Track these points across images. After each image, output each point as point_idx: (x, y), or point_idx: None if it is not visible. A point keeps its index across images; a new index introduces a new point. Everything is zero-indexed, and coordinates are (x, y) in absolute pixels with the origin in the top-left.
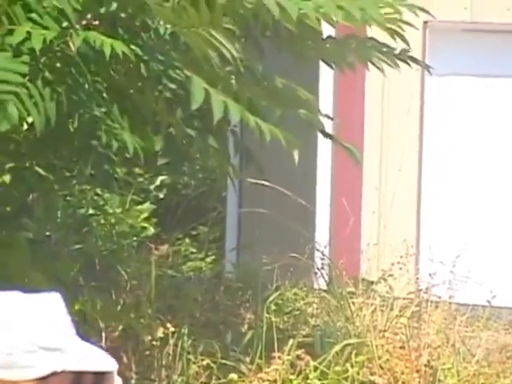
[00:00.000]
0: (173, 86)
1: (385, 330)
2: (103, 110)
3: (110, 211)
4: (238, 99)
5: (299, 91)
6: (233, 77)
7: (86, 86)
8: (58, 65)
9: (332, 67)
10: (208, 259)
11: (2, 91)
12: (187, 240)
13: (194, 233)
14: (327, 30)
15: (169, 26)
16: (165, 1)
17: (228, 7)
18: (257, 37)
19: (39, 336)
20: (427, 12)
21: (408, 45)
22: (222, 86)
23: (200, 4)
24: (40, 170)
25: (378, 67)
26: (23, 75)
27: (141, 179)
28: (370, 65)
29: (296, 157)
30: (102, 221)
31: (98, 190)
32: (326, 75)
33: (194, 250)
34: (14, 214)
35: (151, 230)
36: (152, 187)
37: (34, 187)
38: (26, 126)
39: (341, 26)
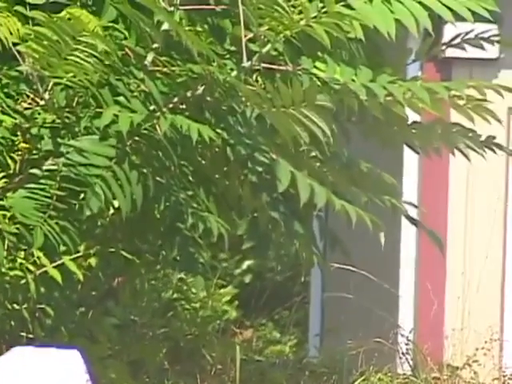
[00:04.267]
0: (259, 169)
1: None
2: (189, 193)
3: (193, 296)
4: (324, 183)
5: (384, 176)
6: (318, 163)
7: (173, 169)
8: (145, 148)
9: (418, 152)
10: (290, 343)
11: (89, 174)
12: (270, 324)
13: (276, 317)
14: (411, 114)
15: (256, 108)
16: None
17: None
18: (342, 122)
19: None
20: None
21: (500, 122)
22: (308, 169)
23: (294, 83)
24: (126, 254)
25: (463, 153)
26: (110, 158)
27: (225, 264)
28: (455, 150)
29: (382, 239)
30: (187, 306)
31: (182, 275)
32: (410, 160)
33: (278, 335)
34: (100, 298)
35: (233, 314)
36: (237, 271)
37: (120, 271)
38: (112, 210)
39: (425, 111)
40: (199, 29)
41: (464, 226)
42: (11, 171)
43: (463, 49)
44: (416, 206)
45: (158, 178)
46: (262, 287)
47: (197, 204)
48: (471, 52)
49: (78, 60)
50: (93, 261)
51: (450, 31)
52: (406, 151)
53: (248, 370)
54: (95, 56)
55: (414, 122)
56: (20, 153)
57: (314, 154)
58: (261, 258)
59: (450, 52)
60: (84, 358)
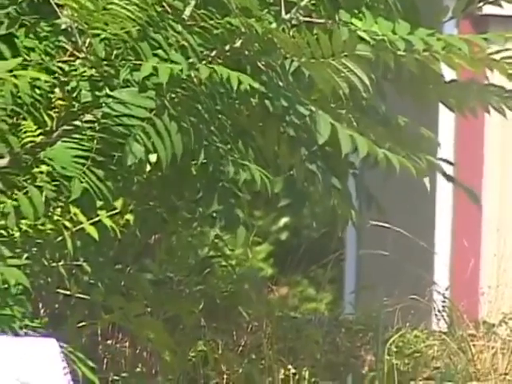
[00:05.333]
0: (298, 122)
1: (506, 374)
2: (228, 146)
3: (229, 253)
4: (363, 135)
5: (422, 129)
6: (354, 116)
7: (212, 121)
8: (184, 101)
9: (453, 111)
10: (326, 300)
11: (129, 125)
12: (305, 281)
13: (312, 274)
14: (448, 73)
15: (295, 59)
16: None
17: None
18: (378, 79)
19: (20, 374)
20: None
21: None
22: (346, 123)
23: (334, 33)
24: (162, 211)
25: (499, 111)
26: (149, 110)
27: (260, 222)
28: (491, 109)
29: (427, 184)
30: (223, 262)
31: (218, 232)
32: (446, 118)
33: (313, 292)
34: (137, 255)
35: (269, 271)
36: (273, 229)
37: (156, 228)
38: (149, 167)
39: (462, 70)
40: None
41: (499, 183)
42: (48, 128)
43: (500, 5)
44: (451, 163)
45: (197, 131)
46: (298, 244)
47: (236, 155)
48: (508, 9)
49: (117, 10)
50: (129, 217)
51: None
52: (441, 110)
53: (284, 327)
54: (135, 4)
55: (451, 81)
56: (57, 110)
57: (351, 108)
58: (297, 216)
59: (487, 9)
60: (61, 346)
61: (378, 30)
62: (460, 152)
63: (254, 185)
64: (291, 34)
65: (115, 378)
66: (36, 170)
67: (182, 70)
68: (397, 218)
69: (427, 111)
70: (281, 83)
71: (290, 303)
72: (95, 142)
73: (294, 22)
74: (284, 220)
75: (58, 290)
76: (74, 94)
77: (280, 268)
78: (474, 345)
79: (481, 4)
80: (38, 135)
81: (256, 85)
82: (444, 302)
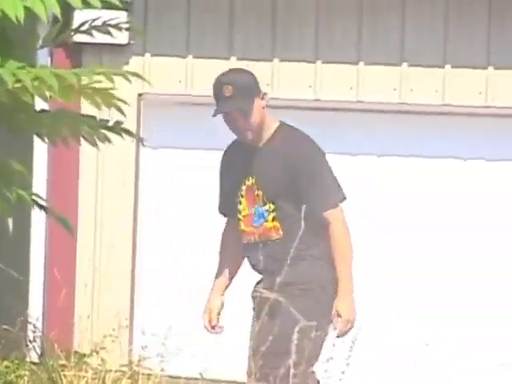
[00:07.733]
0: None
1: None
2: None
3: None
4: None
5: (12, 162)
6: None
7: None
8: None
9: (44, 141)
10: None
11: None
12: None
13: None
14: (41, 103)
15: None
16: None
17: None
18: None
19: None
20: (142, 78)
21: (124, 115)
22: None
23: None
24: None
25: (90, 141)
26: None
27: None
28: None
29: (10, 225)
30: None
31: None
32: (41, 149)
33: None
34: None
35: None
36: None
37: None
38: None
39: (53, 99)
40: None
41: (94, 213)
42: None
43: (91, 35)
44: (43, 199)
45: None
46: None
47: None
48: (101, 38)
49: None
50: None
51: (80, 17)
52: (36, 140)
53: None
54: None
55: (43, 111)
56: None
57: None
58: None
59: (80, 38)
60: None
61: None
62: (55, 181)
63: None
64: None
65: None
66: None
67: None
68: None
69: (23, 142)
70: None
71: None
72: None
73: None
74: None
75: None
76: None
77: None
78: (65, 375)
79: (73, 33)
80: None
81: None
82: (35, 332)
